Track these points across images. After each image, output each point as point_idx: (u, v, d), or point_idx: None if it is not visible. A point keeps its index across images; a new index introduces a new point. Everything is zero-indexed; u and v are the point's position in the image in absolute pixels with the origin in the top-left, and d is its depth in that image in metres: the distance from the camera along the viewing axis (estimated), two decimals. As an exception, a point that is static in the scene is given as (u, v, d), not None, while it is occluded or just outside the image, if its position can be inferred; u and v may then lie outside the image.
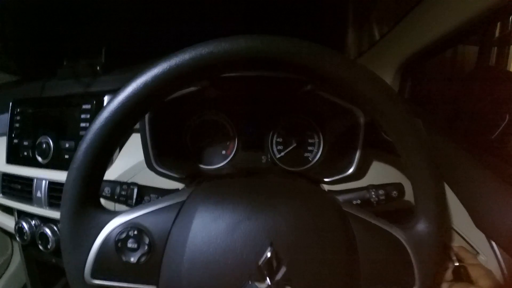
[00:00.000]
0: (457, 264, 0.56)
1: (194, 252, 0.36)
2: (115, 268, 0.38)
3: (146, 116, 0.60)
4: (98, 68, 0.86)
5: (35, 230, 0.77)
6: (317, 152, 0.77)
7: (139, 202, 0.54)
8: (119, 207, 0.59)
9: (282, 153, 0.77)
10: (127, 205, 0.55)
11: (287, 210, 0.39)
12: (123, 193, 0.54)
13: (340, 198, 0.58)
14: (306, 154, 0.78)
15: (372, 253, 0.40)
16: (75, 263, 0.38)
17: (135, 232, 0.38)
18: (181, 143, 0.74)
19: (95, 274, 0.38)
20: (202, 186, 0.44)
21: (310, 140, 0.77)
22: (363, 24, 0.92)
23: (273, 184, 0.48)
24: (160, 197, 0.55)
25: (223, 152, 0.76)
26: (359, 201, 0.57)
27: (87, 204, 0.39)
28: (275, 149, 0.77)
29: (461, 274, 0.54)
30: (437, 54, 0.76)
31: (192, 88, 0.58)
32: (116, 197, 0.54)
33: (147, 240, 0.38)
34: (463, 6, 0.55)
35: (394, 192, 0.58)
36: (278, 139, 0.77)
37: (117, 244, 0.38)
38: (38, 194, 0.74)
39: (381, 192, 0.57)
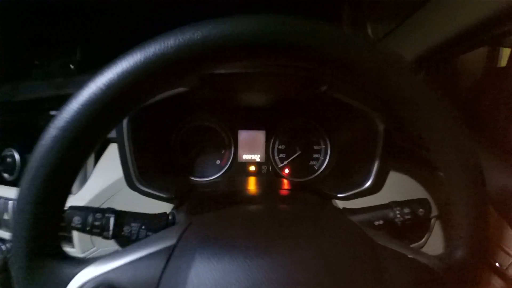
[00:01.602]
0: None
1: None
2: None
3: (125, 123, 0.50)
4: (72, 67, 0.76)
5: (7, 256, 0.66)
6: (323, 160, 0.68)
7: (118, 233, 0.44)
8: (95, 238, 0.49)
9: (285, 162, 0.68)
10: (103, 237, 0.44)
11: (314, 260, 0.29)
12: (96, 223, 0.43)
13: (360, 218, 0.49)
14: (311, 163, 0.69)
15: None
16: None
17: None
18: (168, 154, 0.64)
19: None
20: (195, 224, 0.34)
21: (316, 147, 0.68)
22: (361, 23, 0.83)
23: (289, 217, 0.39)
24: (143, 226, 0.45)
25: (217, 162, 0.67)
26: (381, 222, 0.49)
27: (44, 253, 0.28)
28: (277, 158, 0.68)
29: None
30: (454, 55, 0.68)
31: (180, 89, 0.48)
32: (88, 228, 0.44)
33: None
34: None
35: (421, 210, 0.50)
36: (280, 146, 0.68)
37: None
38: (5, 216, 0.63)
39: (406, 210, 0.49)
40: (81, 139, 0.26)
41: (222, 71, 0.45)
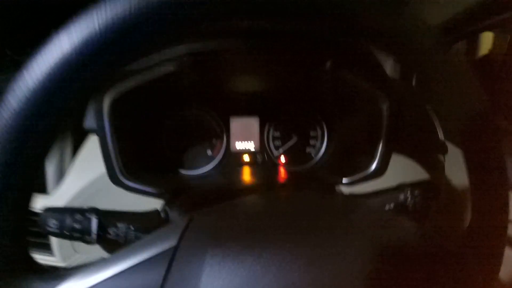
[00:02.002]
0: None
1: None
2: None
3: (106, 110, 0.44)
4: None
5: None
6: (320, 147, 0.64)
7: (102, 236, 0.39)
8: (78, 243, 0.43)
9: (281, 150, 0.64)
10: (86, 242, 0.39)
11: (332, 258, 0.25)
12: (76, 226, 0.38)
13: (370, 202, 0.46)
14: (308, 150, 0.65)
15: None
16: None
17: None
18: (155, 145, 0.58)
19: None
20: (197, 220, 0.29)
21: (312, 133, 0.64)
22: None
23: (296, 210, 0.34)
24: (132, 227, 0.40)
25: (209, 152, 0.62)
26: (392, 206, 0.46)
27: (10, 267, 0.23)
28: (272, 146, 0.64)
29: None
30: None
31: (168, 68, 0.42)
32: (67, 233, 0.38)
33: None
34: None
35: (431, 192, 0.47)
36: (275, 133, 0.64)
37: None
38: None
39: (417, 192, 0.46)
40: (47, 112, 0.20)
41: (216, 46, 0.40)
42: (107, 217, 0.39)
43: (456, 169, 0.55)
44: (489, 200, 0.30)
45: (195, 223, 0.27)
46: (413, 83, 0.70)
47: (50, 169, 0.53)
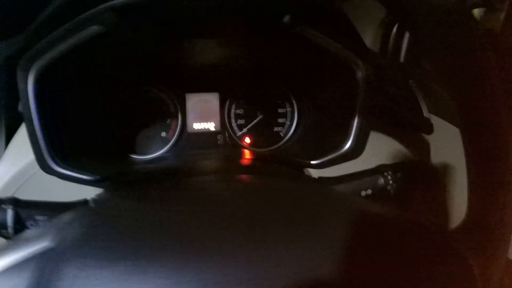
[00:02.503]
0: None
1: None
2: None
3: (30, 86, 0.38)
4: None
5: None
6: (290, 125, 0.59)
7: (20, 230, 0.34)
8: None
9: (245, 129, 0.59)
10: (3, 236, 0.34)
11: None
12: None
13: (343, 188, 0.41)
14: (276, 129, 0.60)
15: None
16: None
17: None
18: (97, 126, 0.52)
19: None
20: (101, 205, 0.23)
21: (280, 110, 0.59)
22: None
23: (258, 198, 0.28)
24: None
25: (163, 134, 0.56)
26: (370, 191, 0.41)
27: None
28: (234, 125, 0.59)
29: None
30: None
31: (92, 30, 0.35)
32: None
33: None
34: None
35: (415, 176, 0.43)
36: (238, 111, 0.59)
37: None
38: None
39: (399, 175, 0.41)
40: None
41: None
42: (26, 209, 0.34)
43: (446, 152, 0.51)
44: (491, 189, 0.27)
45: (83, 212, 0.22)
46: (402, 57, 0.65)
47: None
